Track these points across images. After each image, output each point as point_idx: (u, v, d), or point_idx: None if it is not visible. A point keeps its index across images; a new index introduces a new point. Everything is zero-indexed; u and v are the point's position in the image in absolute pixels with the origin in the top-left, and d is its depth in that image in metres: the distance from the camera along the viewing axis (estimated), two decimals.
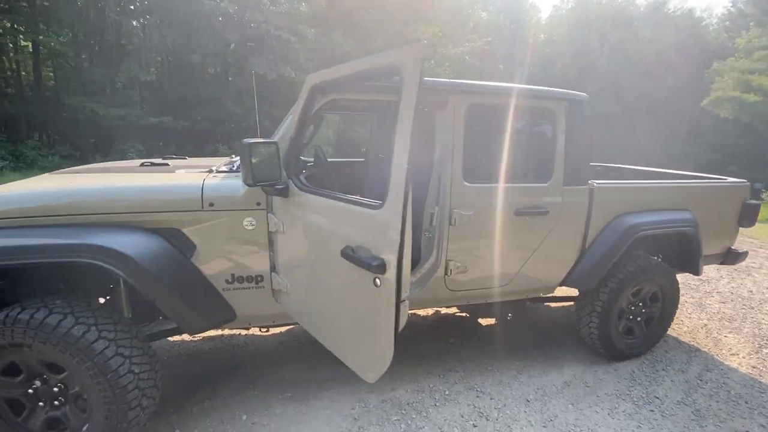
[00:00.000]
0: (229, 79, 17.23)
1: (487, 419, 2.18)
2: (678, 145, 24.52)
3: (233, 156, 3.25)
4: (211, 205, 1.88)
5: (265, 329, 3.11)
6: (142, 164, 2.55)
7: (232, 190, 1.91)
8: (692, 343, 3.13)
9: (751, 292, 4.24)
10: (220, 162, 2.76)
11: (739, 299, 4.02)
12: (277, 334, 3.06)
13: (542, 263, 2.49)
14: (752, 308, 3.82)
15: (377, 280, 1.28)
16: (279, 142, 1.77)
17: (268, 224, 1.92)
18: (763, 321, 3.54)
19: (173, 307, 1.79)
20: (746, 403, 2.38)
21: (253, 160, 1.64)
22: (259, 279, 2.00)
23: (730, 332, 3.31)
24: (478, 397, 2.36)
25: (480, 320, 3.34)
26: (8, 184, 2.03)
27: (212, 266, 1.92)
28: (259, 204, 1.92)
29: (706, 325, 3.44)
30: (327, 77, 1.66)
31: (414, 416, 2.18)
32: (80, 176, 2.22)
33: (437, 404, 2.29)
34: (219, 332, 2.99)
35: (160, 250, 1.78)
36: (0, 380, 1.71)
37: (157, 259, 1.75)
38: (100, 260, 1.63)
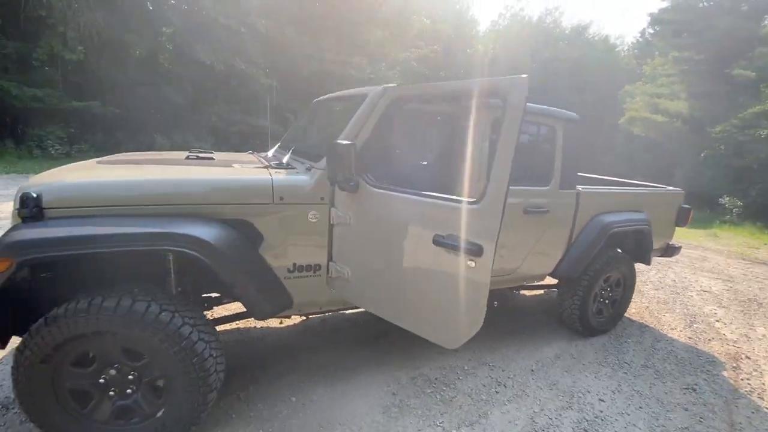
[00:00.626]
0: (168, 66, 16.09)
1: (505, 386, 2.58)
2: (596, 155, 27.89)
3: (251, 151, 3.32)
4: (281, 199, 2.03)
5: (280, 321, 3.24)
6: (187, 157, 2.55)
7: (300, 185, 2.08)
8: (641, 321, 3.87)
9: (674, 281, 5.24)
10: (245, 158, 2.85)
11: (667, 287, 4.97)
12: (291, 326, 3.19)
13: (540, 255, 2.97)
14: (678, 293, 4.77)
15: (471, 263, 1.59)
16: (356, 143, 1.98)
17: (330, 217, 2.12)
18: (688, 303, 4.45)
19: (249, 293, 1.92)
20: (690, 364, 3.08)
21: (333, 160, 1.85)
22: (317, 268, 2.18)
23: (666, 312, 4.13)
24: (492, 370, 2.76)
25: None
26: (72, 172, 1.98)
27: (277, 256, 2.06)
28: (322, 199, 2.11)
29: (647, 307, 4.24)
30: (414, 92, 1.92)
31: (444, 388, 2.51)
32: (151, 167, 2.23)
33: (460, 378, 2.64)
34: (234, 326, 3.05)
35: (235, 240, 1.89)
36: (70, 371, 1.70)
37: (235, 248, 1.87)
38: (190, 248, 1.72)
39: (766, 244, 9.06)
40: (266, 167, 2.25)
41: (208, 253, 1.77)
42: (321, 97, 3.38)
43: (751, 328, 3.87)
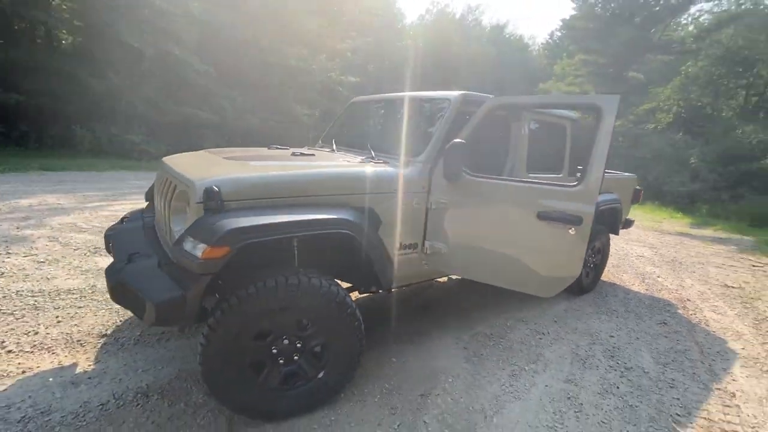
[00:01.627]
0: (90, 49, 14.32)
1: (543, 334, 3.28)
2: None
3: (307, 148, 3.56)
4: (396, 189, 2.43)
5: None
6: (293, 153, 2.77)
7: (410, 176, 2.50)
8: (608, 281, 4.90)
9: (615, 250, 6.54)
10: (324, 153, 3.14)
11: (614, 255, 6.21)
12: None
13: None
14: (623, 259, 6.01)
15: (572, 230, 2.19)
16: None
17: (428, 203, 2.57)
18: (633, 265, 5.68)
19: (383, 267, 2.30)
20: (655, 307, 4.12)
21: (451, 156, 2.32)
22: (415, 246, 2.62)
23: (623, 273, 5.26)
24: (527, 324, 3.45)
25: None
26: (223, 167, 2.13)
27: (390, 237, 2.46)
28: (423, 188, 2.55)
29: (608, 270, 5.34)
30: (515, 101, 2.45)
31: (501, 340, 3.12)
32: (289, 164, 2.47)
33: (507, 332, 3.28)
34: None
35: (368, 224, 2.26)
36: (253, 345, 1.95)
37: (369, 230, 2.25)
38: (351, 231, 2.07)
39: (665, 218, 11.32)
40: (368, 161, 2.61)
41: (360, 235, 2.13)
42: (360, 98, 3.74)
43: (681, 280, 5.14)
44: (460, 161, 2.34)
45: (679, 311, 4.06)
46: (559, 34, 40.08)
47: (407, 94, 3.16)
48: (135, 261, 2.02)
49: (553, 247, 2.31)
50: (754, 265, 6.11)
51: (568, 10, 56.90)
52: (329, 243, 2.17)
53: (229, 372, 1.91)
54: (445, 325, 3.29)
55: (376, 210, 2.36)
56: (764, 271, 5.79)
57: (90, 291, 3.32)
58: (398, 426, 2.10)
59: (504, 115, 2.98)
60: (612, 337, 3.35)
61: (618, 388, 2.60)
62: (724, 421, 2.35)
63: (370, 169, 2.41)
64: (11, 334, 2.61)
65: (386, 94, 3.43)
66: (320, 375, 2.12)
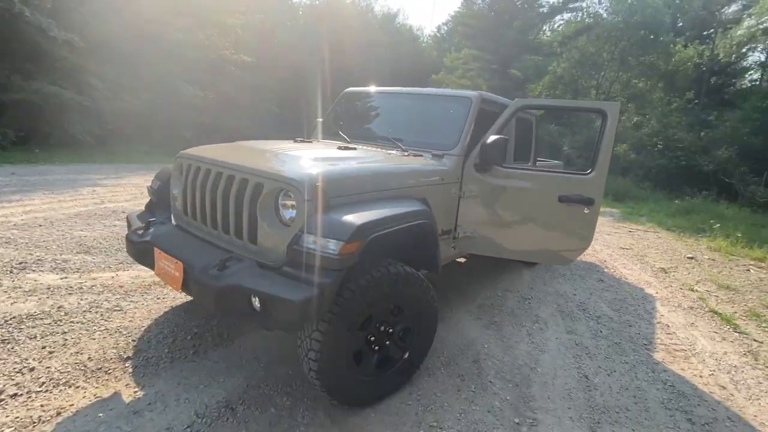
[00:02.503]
0: None
1: (529, 299, 3.93)
2: None
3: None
4: (442, 179, 2.69)
5: None
6: (338, 147, 2.73)
7: (451, 168, 2.76)
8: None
9: None
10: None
11: None
12: None
13: None
14: None
15: (586, 210, 2.74)
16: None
17: (461, 192, 2.89)
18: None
19: (436, 252, 2.55)
20: (588, 268, 5.18)
21: (490, 150, 2.67)
22: (449, 231, 2.93)
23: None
24: (512, 293, 4.06)
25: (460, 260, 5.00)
26: (309, 161, 2.06)
27: (437, 224, 2.72)
28: (458, 178, 2.86)
29: None
30: (535, 103, 2.84)
31: (502, 308, 3.66)
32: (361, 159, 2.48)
33: (503, 300, 3.83)
34: None
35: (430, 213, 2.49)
36: (358, 334, 2.04)
37: (432, 219, 2.48)
38: (429, 220, 2.28)
39: None
40: (410, 155, 2.80)
41: (434, 223, 2.36)
42: (355, 89, 3.82)
43: (592, 246, 6.47)
44: (501, 154, 2.72)
45: (606, 270, 5.20)
46: (446, 28, 43.38)
47: (424, 90, 3.45)
48: (232, 265, 1.91)
49: (571, 224, 2.86)
50: (630, 231, 7.97)
51: (454, 4, 61.59)
52: (408, 232, 2.35)
53: (340, 364, 1.98)
54: (450, 301, 3.69)
55: (428, 199, 2.59)
56: (639, 235, 7.62)
57: (61, 313, 2.81)
58: (474, 388, 2.43)
59: (497, 111, 3.45)
60: (575, 294, 4.18)
61: (601, 332, 3.36)
62: (672, 344, 3.27)
63: (429, 162, 2.61)
64: None
65: (395, 88, 3.62)
66: (405, 356, 2.31)
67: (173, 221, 2.56)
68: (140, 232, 2.36)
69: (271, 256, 1.96)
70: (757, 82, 18.62)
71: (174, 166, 2.60)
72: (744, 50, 17.85)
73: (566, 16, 23.96)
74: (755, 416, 2.43)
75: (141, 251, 2.28)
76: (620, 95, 19.94)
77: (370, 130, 3.44)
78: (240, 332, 2.80)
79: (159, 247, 2.16)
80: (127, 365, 2.33)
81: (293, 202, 1.92)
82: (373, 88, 3.78)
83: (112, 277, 3.51)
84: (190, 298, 3.08)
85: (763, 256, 6.02)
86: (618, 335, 3.32)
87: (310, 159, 2.25)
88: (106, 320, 2.79)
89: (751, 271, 5.41)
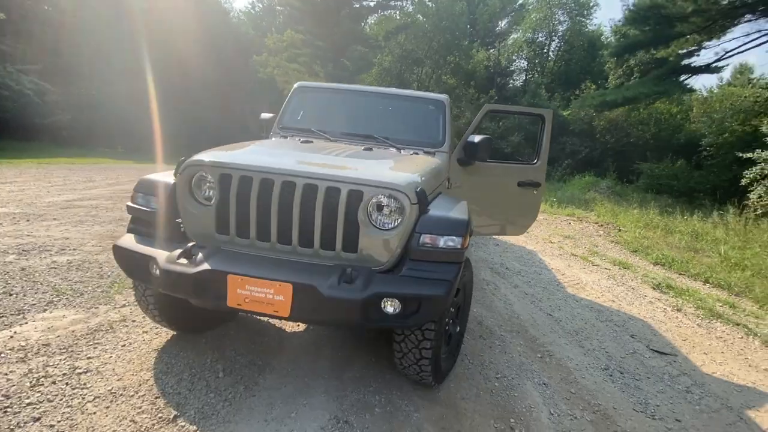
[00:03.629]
0: None
1: (489, 260, 4.72)
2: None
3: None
4: (447, 179, 3.06)
5: None
6: (365, 148, 2.60)
7: (447, 163, 3.13)
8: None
9: None
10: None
11: None
12: None
13: None
14: None
15: (535, 191, 3.56)
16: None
17: (449, 184, 3.32)
18: None
19: None
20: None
21: (474, 149, 3.18)
22: None
23: None
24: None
25: None
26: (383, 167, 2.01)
27: None
28: (448, 172, 3.27)
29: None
30: (500, 108, 3.39)
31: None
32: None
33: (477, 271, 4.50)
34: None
35: None
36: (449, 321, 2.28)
37: None
38: None
39: None
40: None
41: None
42: (307, 84, 3.71)
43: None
44: (487, 151, 3.25)
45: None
46: (260, 6, 41.20)
47: (395, 90, 3.65)
48: (353, 274, 1.83)
49: (525, 203, 3.66)
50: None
51: None
52: None
53: (440, 347, 2.20)
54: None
55: (442, 193, 2.94)
56: None
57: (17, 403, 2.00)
58: (497, 343, 2.97)
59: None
60: (492, 257, 5.22)
61: (530, 282, 4.40)
62: (570, 281, 4.57)
63: (439, 160, 2.91)
64: None
65: (359, 86, 3.70)
66: (458, 329, 2.65)
67: (195, 243, 2.14)
68: (183, 260, 1.92)
69: (374, 262, 1.99)
70: (523, 82, 25.05)
71: (184, 179, 2.13)
72: (514, 57, 23.75)
73: (388, 12, 26.28)
74: (630, 310, 3.79)
75: (200, 283, 1.88)
76: (435, 89, 23.54)
77: (347, 128, 3.45)
78: (263, 352, 2.58)
79: (241, 273, 1.85)
80: (183, 425, 1.93)
81: (397, 207, 1.99)
82: (328, 84, 3.75)
83: (12, 336, 2.56)
84: (159, 337, 2.61)
85: (571, 212, 8.62)
86: (540, 282, 4.43)
87: (383, 162, 2.29)
88: (86, 389, 2.12)
89: (571, 224, 7.74)
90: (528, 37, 24.12)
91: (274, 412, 2.05)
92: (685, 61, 12.57)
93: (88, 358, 2.35)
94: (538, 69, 23.89)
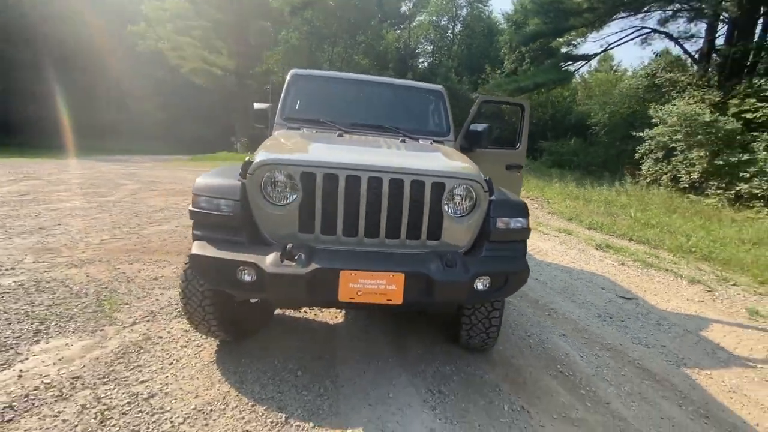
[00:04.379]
0: None
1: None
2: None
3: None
4: None
5: None
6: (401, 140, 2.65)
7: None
8: None
9: None
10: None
11: None
12: None
13: None
14: None
15: (518, 173, 4.06)
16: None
17: None
18: None
19: None
20: None
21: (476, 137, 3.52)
22: None
23: None
24: None
25: None
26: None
27: None
28: None
29: None
30: (494, 99, 3.70)
31: None
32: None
33: None
34: None
35: None
36: None
37: None
38: None
39: None
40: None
41: None
42: (303, 71, 3.65)
43: None
44: (487, 139, 3.60)
45: None
46: None
47: (395, 80, 3.72)
48: (452, 258, 2.02)
49: (511, 185, 4.12)
50: None
51: None
52: None
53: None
54: None
55: None
56: None
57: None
58: (523, 304, 3.43)
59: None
60: None
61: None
62: (542, 251, 5.29)
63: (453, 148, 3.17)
64: None
65: (357, 75, 3.69)
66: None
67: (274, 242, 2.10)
68: (289, 262, 1.90)
69: (454, 247, 2.21)
70: (429, 65, 26.34)
71: (256, 180, 2.07)
72: (421, 40, 24.76)
73: None
74: (590, 268, 4.62)
75: (312, 282, 1.89)
76: (347, 69, 23.46)
77: (354, 118, 3.49)
78: (321, 346, 2.64)
79: (352, 268, 1.92)
80: (299, 424, 1.95)
81: (474, 195, 2.22)
82: (324, 72, 3.72)
83: (20, 375, 2.22)
84: (203, 349, 2.52)
85: None
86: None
87: (436, 154, 2.47)
88: (168, 412, 1.98)
89: None
90: (433, 20, 25.31)
91: (371, 396, 2.18)
92: (574, 51, 14.71)
93: (141, 382, 2.17)
94: (445, 52, 25.33)
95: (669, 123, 7.99)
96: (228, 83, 20.66)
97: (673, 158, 8.33)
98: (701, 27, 12.05)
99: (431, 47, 26.05)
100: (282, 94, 3.48)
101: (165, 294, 3.27)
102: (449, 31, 25.68)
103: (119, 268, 3.73)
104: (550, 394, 2.34)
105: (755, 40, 10.39)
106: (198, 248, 1.97)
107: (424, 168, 2.14)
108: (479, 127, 3.52)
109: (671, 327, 3.29)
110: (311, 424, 1.95)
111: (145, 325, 2.75)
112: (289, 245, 1.98)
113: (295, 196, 2.05)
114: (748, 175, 7.14)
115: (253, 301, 2.38)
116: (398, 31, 23.83)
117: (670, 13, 12.82)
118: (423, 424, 2.01)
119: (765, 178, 6.92)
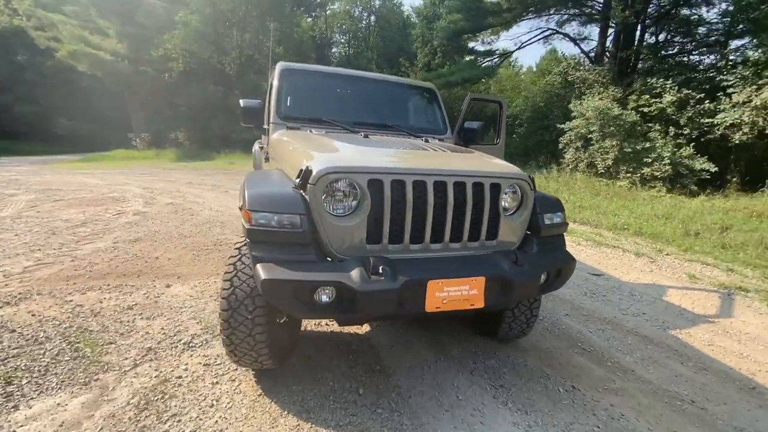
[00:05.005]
0: None
1: None
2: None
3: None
4: None
5: None
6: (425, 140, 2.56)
7: None
8: None
9: None
10: None
11: None
12: None
13: None
14: None
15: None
16: None
17: None
18: None
19: None
20: None
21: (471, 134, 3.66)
22: None
23: None
24: None
25: None
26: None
27: None
28: None
29: None
30: (485, 96, 3.81)
31: None
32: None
33: None
34: None
35: None
36: None
37: None
38: None
39: None
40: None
41: None
42: (292, 65, 3.41)
43: None
44: (481, 136, 3.74)
45: None
46: None
47: (386, 77, 3.63)
48: (521, 257, 2.09)
49: None
50: None
51: None
52: None
53: None
54: None
55: None
56: None
57: None
58: None
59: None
60: None
61: None
62: None
63: None
64: None
65: (346, 70, 3.54)
66: None
67: (340, 255, 1.96)
68: (376, 277, 1.78)
69: (508, 245, 2.31)
70: (345, 56, 26.14)
71: (319, 190, 1.90)
72: (335, 30, 24.37)
73: None
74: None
75: (403, 295, 1.80)
76: (260, 58, 22.17)
77: (355, 117, 3.35)
78: (364, 359, 2.56)
79: (437, 277, 1.88)
80: None
81: (523, 194, 2.33)
82: (314, 67, 3.52)
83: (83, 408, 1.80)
84: (241, 383, 2.31)
85: None
86: None
87: (471, 155, 2.52)
88: None
89: None
90: (347, 10, 25.10)
91: (444, 402, 2.19)
92: (485, 48, 15.92)
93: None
94: (362, 43, 25.34)
95: (586, 116, 9.18)
96: (121, 70, 18.07)
97: (590, 147, 9.58)
98: (596, 29, 13.95)
99: (347, 37, 25.85)
100: (273, 91, 3.22)
101: (153, 324, 2.85)
102: (364, 21, 25.73)
103: (71, 301, 3.14)
104: (586, 370, 2.58)
105: (635, 44, 12.41)
106: (268, 272, 1.75)
107: (483, 170, 2.18)
108: (474, 124, 3.66)
109: (642, 296, 3.83)
110: None
111: (150, 366, 2.37)
112: (372, 259, 1.88)
113: (355, 204, 1.94)
114: (649, 160, 8.56)
115: (281, 321, 2.20)
116: (310, 19, 23.15)
117: (566, 16, 14.55)
118: (505, 419, 2.08)
119: (662, 162, 8.38)
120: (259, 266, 1.79)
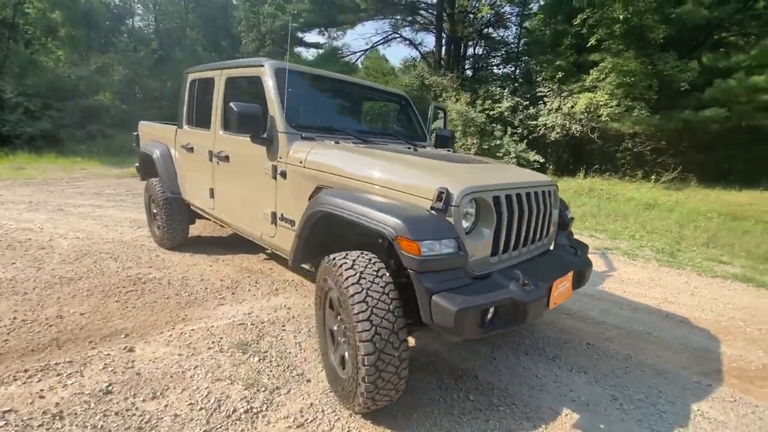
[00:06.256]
0: None
1: None
2: None
3: None
4: None
5: None
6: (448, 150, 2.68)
7: None
8: None
9: None
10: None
11: None
12: None
13: None
14: None
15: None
16: None
17: None
18: None
19: None
20: None
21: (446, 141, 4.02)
22: None
23: None
24: None
25: None
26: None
27: None
28: None
29: None
30: (440, 106, 4.09)
31: None
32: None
33: None
34: None
35: None
36: None
37: None
38: None
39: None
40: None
41: None
42: (280, 63, 3.10)
43: None
44: (453, 143, 4.09)
45: None
46: None
47: (362, 81, 3.55)
48: (577, 248, 2.59)
49: None
50: None
51: None
52: None
53: None
54: None
55: None
56: None
57: None
58: None
59: None
60: None
61: None
62: None
63: None
64: None
65: (339, 75, 3.38)
66: None
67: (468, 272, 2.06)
68: (530, 287, 1.98)
69: (551, 240, 2.81)
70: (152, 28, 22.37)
71: (461, 211, 1.99)
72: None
73: None
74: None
75: (541, 299, 2.05)
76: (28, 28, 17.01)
77: (355, 126, 3.25)
78: (438, 362, 2.69)
79: (557, 277, 2.21)
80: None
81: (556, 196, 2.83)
82: (304, 68, 3.27)
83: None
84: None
85: None
86: None
87: (512, 166, 2.87)
88: None
89: None
90: None
91: (529, 381, 2.55)
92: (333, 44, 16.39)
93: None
94: (176, 19, 22.11)
95: (450, 117, 10.66)
96: None
97: (456, 143, 11.20)
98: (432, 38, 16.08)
99: (153, 9, 22.13)
100: (272, 94, 2.88)
101: (170, 402, 2.25)
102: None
103: None
104: (643, 345, 3.19)
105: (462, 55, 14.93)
106: (454, 302, 1.77)
107: (536, 179, 2.61)
108: (446, 132, 4.03)
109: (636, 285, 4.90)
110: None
111: None
112: (518, 272, 2.06)
113: (477, 221, 2.11)
114: (500, 154, 10.63)
115: None
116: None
117: (403, 22, 16.31)
118: (609, 396, 2.52)
119: (510, 156, 10.55)
120: (438, 299, 1.77)
